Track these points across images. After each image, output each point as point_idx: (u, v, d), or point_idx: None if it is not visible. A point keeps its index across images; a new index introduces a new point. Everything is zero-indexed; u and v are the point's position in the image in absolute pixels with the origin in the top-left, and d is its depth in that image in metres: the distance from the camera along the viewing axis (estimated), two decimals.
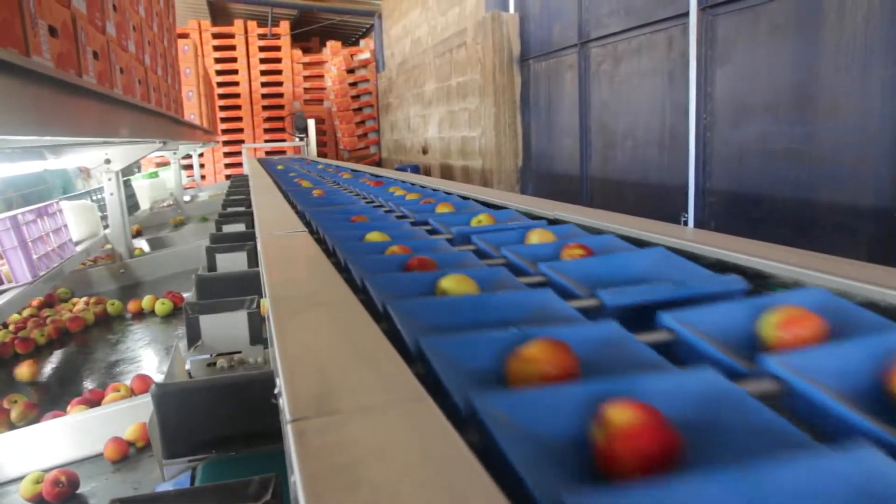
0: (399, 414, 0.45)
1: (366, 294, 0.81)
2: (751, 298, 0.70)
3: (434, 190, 2.12)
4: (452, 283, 0.77)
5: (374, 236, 1.21)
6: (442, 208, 1.57)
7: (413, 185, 2.30)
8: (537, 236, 1.13)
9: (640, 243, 1.07)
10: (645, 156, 3.87)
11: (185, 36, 7.90)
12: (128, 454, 1.61)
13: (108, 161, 3.20)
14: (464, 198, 1.81)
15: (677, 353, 0.64)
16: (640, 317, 0.70)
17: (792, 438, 0.44)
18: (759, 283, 0.84)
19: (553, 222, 1.29)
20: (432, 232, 1.31)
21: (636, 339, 0.62)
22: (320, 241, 1.23)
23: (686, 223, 3.44)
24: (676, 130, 3.53)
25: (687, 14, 3.32)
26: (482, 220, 1.34)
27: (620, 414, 0.43)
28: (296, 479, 0.38)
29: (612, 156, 4.24)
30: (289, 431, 0.43)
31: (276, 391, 0.57)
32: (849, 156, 2.58)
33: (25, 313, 2.92)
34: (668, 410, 0.46)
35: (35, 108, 1.35)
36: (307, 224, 1.46)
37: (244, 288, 1.67)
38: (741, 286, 0.77)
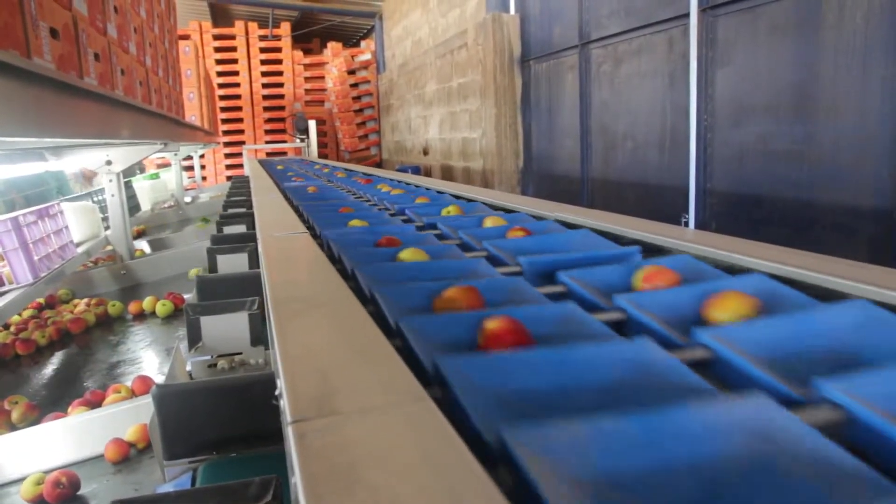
0: (399, 415, 0.45)
1: (341, 265, 1.03)
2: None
3: (420, 187, 2.28)
4: (408, 254, 1.04)
5: (355, 223, 1.43)
6: (420, 200, 1.81)
7: (399, 182, 2.53)
8: (491, 222, 1.35)
9: (642, 245, 1.08)
10: (645, 157, 3.87)
11: (186, 37, 7.91)
12: (129, 455, 1.61)
13: (109, 162, 3.20)
14: (441, 192, 2.02)
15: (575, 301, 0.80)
16: (549, 276, 0.94)
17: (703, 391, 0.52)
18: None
19: (540, 219, 1.42)
20: (407, 221, 1.51)
21: (536, 290, 0.83)
22: (307, 224, 1.38)
23: (687, 224, 3.44)
24: (677, 131, 3.54)
25: (687, 15, 3.32)
26: (451, 210, 1.57)
27: (491, 323, 0.65)
28: (296, 480, 0.38)
29: (612, 157, 4.24)
30: (289, 433, 0.44)
31: (276, 392, 0.57)
32: (849, 156, 2.58)
33: (26, 314, 2.92)
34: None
35: (36, 109, 1.35)
36: (299, 214, 1.62)
37: (245, 289, 1.67)
38: (635, 254, 1.01)
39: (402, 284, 0.83)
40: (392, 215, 1.59)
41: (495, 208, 1.63)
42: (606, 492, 0.41)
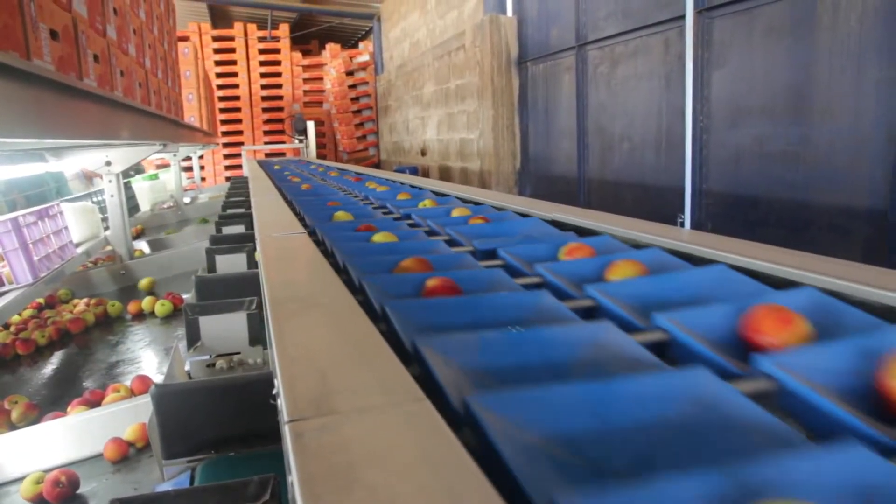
0: (397, 415, 0.45)
1: (323, 246, 1.20)
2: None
3: (405, 185, 2.48)
4: (381, 237, 1.21)
5: (340, 215, 1.59)
6: (402, 196, 2.01)
7: (386, 180, 2.76)
8: (457, 212, 1.56)
9: (636, 245, 1.10)
10: (642, 158, 3.88)
11: (185, 39, 7.90)
12: (128, 454, 1.62)
13: (108, 163, 3.21)
14: (421, 189, 2.25)
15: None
16: (494, 253, 1.12)
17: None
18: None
19: (501, 210, 1.62)
20: (388, 213, 1.73)
21: (478, 262, 1.01)
22: (299, 216, 1.56)
23: (683, 225, 3.45)
24: (673, 132, 3.55)
25: (683, 17, 3.33)
26: (426, 203, 1.78)
27: (431, 282, 0.86)
28: (293, 479, 0.39)
29: (609, 158, 4.25)
30: (287, 432, 0.44)
31: (274, 392, 0.58)
32: (844, 157, 2.59)
33: (26, 314, 2.93)
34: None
35: (36, 110, 1.36)
36: (291, 206, 1.78)
37: (243, 289, 1.68)
38: (569, 237, 1.20)
39: (370, 256, 1.06)
40: (374, 208, 1.81)
41: (465, 202, 1.82)
42: (558, 448, 0.47)
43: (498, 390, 0.55)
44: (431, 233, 1.35)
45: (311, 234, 1.32)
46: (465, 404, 0.49)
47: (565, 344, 0.65)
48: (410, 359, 0.64)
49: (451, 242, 1.22)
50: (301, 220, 1.58)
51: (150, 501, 0.76)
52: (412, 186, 2.38)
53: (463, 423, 0.50)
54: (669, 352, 0.69)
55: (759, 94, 2.96)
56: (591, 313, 0.82)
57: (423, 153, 7.42)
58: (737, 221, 3.16)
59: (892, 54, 2.36)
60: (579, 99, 4.53)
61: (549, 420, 0.50)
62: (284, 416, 0.47)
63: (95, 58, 1.95)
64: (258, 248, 1.21)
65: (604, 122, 4.28)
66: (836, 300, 0.74)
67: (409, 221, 1.53)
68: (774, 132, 2.89)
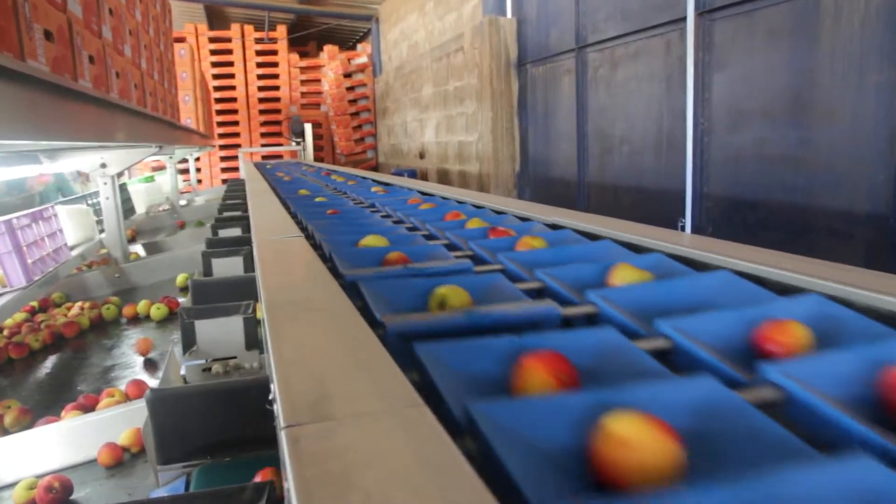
0: (393, 421, 0.45)
1: (307, 231, 1.35)
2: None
3: (392, 186, 2.71)
4: (371, 240, 1.24)
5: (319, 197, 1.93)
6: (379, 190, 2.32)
7: (372, 180, 3.03)
8: (427, 206, 1.77)
9: (636, 249, 1.08)
10: (642, 161, 3.88)
11: (181, 40, 7.90)
12: (122, 460, 1.60)
13: (103, 165, 3.19)
14: (409, 188, 2.48)
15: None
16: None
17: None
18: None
19: (478, 207, 1.76)
20: (359, 203, 1.96)
21: (450, 253, 1.11)
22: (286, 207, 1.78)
23: (683, 228, 3.44)
24: (674, 135, 3.54)
25: (684, 19, 3.33)
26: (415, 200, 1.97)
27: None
28: (289, 485, 0.38)
29: (609, 161, 4.25)
30: (283, 437, 0.43)
31: (270, 397, 0.57)
32: (844, 161, 2.59)
33: (19, 318, 2.90)
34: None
35: (30, 112, 1.34)
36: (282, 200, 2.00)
37: (240, 293, 1.67)
38: (533, 226, 1.38)
39: (337, 233, 1.26)
40: (354, 203, 2.08)
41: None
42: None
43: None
44: (396, 219, 1.48)
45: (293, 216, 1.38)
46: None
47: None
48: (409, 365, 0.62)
49: (429, 234, 1.36)
50: (292, 214, 1.64)
51: None
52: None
53: (464, 430, 0.49)
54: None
55: (760, 97, 2.96)
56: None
57: (422, 156, 7.41)
58: (738, 225, 3.16)
59: (893, 57, 2.36)
60: (579, 101, 4.53)
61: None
62: (281, 421, 0.46)
63: (91, 59, 1.93)
64: (255, 251, 1.20)
65: (604, 125, 4.28)
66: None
67: (374, 209, 1.67)
68: (775, 135, 2.89)
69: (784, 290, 0.82)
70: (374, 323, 0.71)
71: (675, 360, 0.67)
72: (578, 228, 1.30)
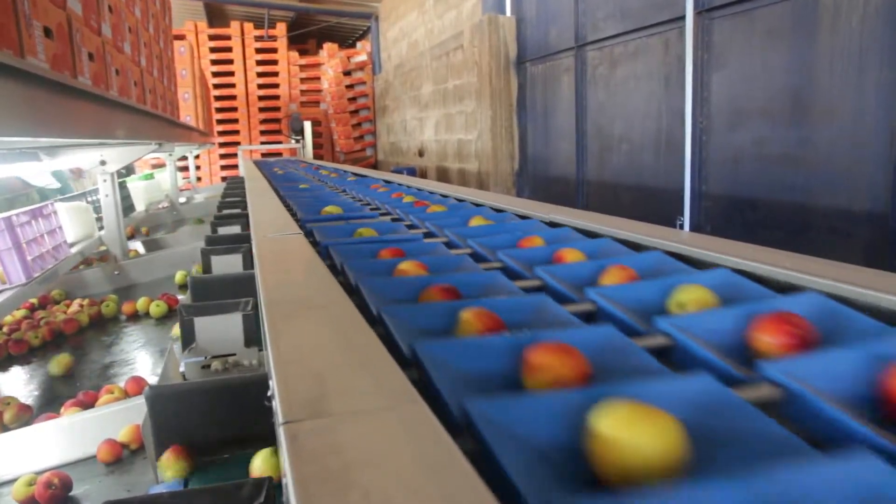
0: (392, 418, 0.45)
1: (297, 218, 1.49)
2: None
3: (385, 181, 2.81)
4: (364, 231, 1.32)
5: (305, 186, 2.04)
6: (376, 186, 2.40)
7: (364, 176, 3.25)
8: (410, 199, 1.83)
9: (636, 247, 1.08)
10: (641, 159, 3.88)
11: (181, 37, 7.88)
12: (121, 456, 1.60)
13: (103, 162, 3.19)
14: (400, 184, 2.60)
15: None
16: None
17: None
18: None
19: (460, 201, 1.85)
20: (359, 200, 2.06)
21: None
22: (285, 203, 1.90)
23: (682, 227, 3.45)
24: (672, 134, 3.54)
25: (683, 18, 3.33)
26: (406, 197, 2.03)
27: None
28: (288, 481, 0.38)
29: (608, 159, 4.25)
30: (281, 434, 0.43)
31: (269, 394, 0.57)
32: (844, 160, 2.59)
33: (19, 315, 2.90)
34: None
35: (30, 109, 1.34)
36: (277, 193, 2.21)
37: (239, 290, 1.67)
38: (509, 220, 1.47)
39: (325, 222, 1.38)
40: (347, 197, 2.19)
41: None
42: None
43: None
44: (380, 211, 1.60)
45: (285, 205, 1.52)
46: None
47: None
48: (408, 362, 0.63)
49: (412, 225, 1.45)
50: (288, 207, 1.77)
51: None
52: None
53: (462, 428, 0.49)
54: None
55: (759, 96, 2.96)
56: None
57: (421, 154, 7.41)
58: (736, 224, 3.16)
59: (893, 56, 2.36)
60: (578, 100, 4.53)
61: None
62: (279, 418, 0.46)
63: (90, 56, 1.93)
64: (254, 248, 1.20)
65: (603, 124, 4.27)
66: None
67: (369, 204, 1.85)
68: (774, 134, 2.89)
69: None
70: (371, 320, 0.71)
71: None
72: (578, 226, 1.30)
